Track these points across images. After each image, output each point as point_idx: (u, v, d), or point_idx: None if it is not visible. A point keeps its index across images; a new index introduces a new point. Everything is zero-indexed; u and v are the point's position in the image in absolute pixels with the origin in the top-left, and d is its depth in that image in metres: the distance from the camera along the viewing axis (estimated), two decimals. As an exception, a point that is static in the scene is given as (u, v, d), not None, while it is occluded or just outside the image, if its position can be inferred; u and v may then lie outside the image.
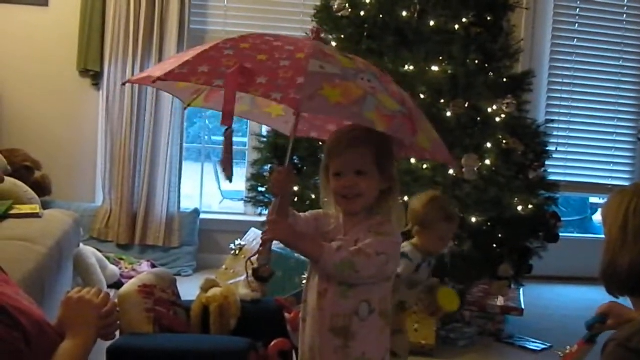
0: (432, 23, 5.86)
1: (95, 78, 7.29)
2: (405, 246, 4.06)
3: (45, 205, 5.78)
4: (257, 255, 2.80)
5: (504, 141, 5.76)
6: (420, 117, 2.86)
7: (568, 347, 3.54)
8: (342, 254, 2.80)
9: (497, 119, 5.80)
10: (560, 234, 6.05)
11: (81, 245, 5.81)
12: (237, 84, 2.48)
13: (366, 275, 2.87)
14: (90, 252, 5.95)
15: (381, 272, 2.91)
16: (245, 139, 7.96)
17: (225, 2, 7.54)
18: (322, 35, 3.10)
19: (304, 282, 3.17)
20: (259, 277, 2.82)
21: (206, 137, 8.52)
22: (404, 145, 3.00)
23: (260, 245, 2.85)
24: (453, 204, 5.21)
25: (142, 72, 2.98)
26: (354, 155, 2.85)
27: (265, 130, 6.69)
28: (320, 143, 3.80)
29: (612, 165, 8.34)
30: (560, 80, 8.03)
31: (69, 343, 2.31)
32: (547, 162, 6.12)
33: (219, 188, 10.12)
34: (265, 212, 6.48)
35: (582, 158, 8.25)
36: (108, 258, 6.39)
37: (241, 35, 2.83)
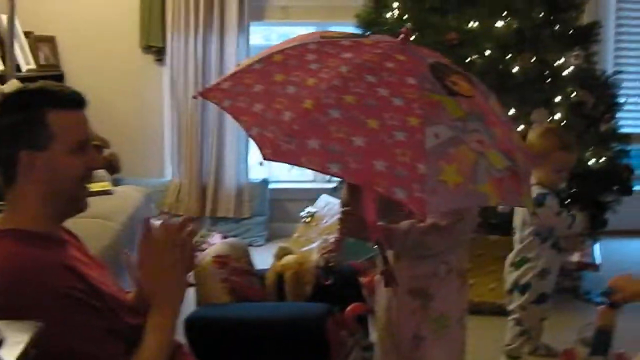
0: (495, -22, 5.78)
1: (159, 54, 7.33)
2: (534, 187, 4.12)
3: (115, 183, 5.83)
4: (330, 252, 2.80)
5: (574, 94, 5.67)
6: (524, 160, 2.63)
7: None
8: (412, 237, 2.80)
9: (566, 72, 5.72)
10: (635, 187, 5.95)
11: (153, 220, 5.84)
12: (355, 172, 2.21)
13: (440, 249, 2.86)
14: (162, 227, 5.98)
15: (457, 238, 2.90)
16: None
17: (283, -30, 7.49)
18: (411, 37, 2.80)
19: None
20: (329, 270, 2.84)
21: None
22: None
23: (334, 243, 2.84)
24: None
25: (230, 97, 2.39)
26: None
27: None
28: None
29: (684, 113, 8.15)
30: (628, 30, 7.86)
31: (158, 317, 2.30)
32: (618, 114, 6.01)
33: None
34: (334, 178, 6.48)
35: (653, 108, 8.08)
36: (180, 231, 6.42)
37: (336, 67, 2.46)
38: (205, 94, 2.69)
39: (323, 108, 2.29)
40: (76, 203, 2.39)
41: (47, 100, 2.30)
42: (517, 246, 4.35)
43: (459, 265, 3.01)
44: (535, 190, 4.15)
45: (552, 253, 4.28)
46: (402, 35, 2.64)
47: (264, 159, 2.26)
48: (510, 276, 4.36)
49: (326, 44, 2.64)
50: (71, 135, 2.30)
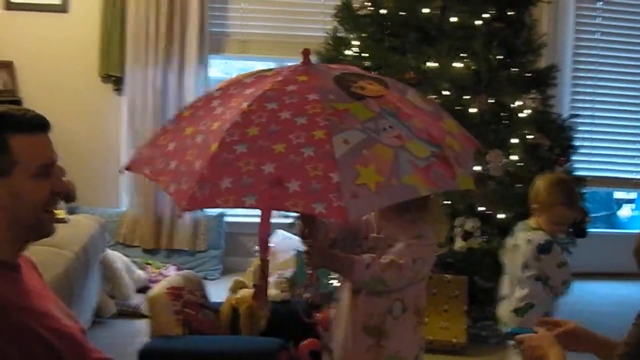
0: (453, 19, 5.84)
1: (117, 83, 7.29)
2: (540, 233, 4.12)
3: (70, 212, 5.79)
4: (307, 287, 2.82)
5: (529, 136, 5.73)
6: (461, 142, 2.66)
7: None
8: (372, 271, 2.80)
9: (522, 114, 5.78)
10: (589, 230, 6.00)
11: (108, 250, 5.81)
12: (270, 200, 2.24)
13: (397, 287, 2.87)
14: (116, 257, 5.95)
15: (414, 278, 2.90)
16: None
17: (243, 4, 7.50)
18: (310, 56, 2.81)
19: (331, 281, 3.16)
20: (312, 306, 2.86)
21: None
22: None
23: (310, 277, 2.86)
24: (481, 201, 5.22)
25: (149, 163, 2.43)
26: None
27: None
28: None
29: (637, 159, 8.26)
30: (584, 75, 7.96)
31: None
32: (573, 157, 6.07)
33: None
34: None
35: (607, 152, 8.18)
36: (135, 263, 6.39)
37: (238, 105, 2.47)
38: (130, 167, 2.71)
39: (228, 146, 2.33)
40: (41, 228, 2.35)
41: (9, 125, 2.28)
42: (515, 289, 4.28)
43: (415, 304, 3.01)
44: (543, 237, 4.12)
45: (550, 296, 4.25)
46: (303, 58, 2.73)
47: (182, 211, 2.28)
48: (513, 321, 4.30)
49: (230, 86, 2.68)
50: (34, 159, 2.27)
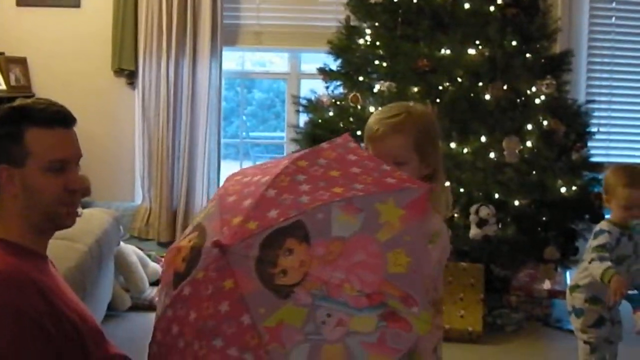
0: (467, 6, 5.80)
1: (130, 77, 7.28)
2: (602, 223, 4.13)
3: (84, 206, 5.79)
4: None
5: (545, 122, 5.69)
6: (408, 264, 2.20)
7: None
8: None
9: (537, 101, 5.74)
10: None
11: (122, 243, 5.80)
12: None
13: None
14: (130, 250, 5.95)
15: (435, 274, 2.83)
16: (283, 134, 7.93)
17: (257, -5, 7.47)
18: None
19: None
20: None
21: (244, 134, 8.53)
22: None
23: None
24: (497, 188, 5.19)
25: None
26: (391, 143, 2.73)
27: (302, 121, 6.65)
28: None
29: (655, 143, 8.18)
30: (600, 60, 7.86)
31: None
32: (589, 143, 6.02)
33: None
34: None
35: (624, 138, 8.09)
36: (149, 256, 6.38)
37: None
38: None
39: None
40: (53, 221, 2.40)
41: (27, 117, 2.33)
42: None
43: (434, 295, 2.95)
44: (603, 225, 4.09)
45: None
46: (217, 248, 2.18)
47: None
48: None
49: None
50: (48, 153, 2.34)
